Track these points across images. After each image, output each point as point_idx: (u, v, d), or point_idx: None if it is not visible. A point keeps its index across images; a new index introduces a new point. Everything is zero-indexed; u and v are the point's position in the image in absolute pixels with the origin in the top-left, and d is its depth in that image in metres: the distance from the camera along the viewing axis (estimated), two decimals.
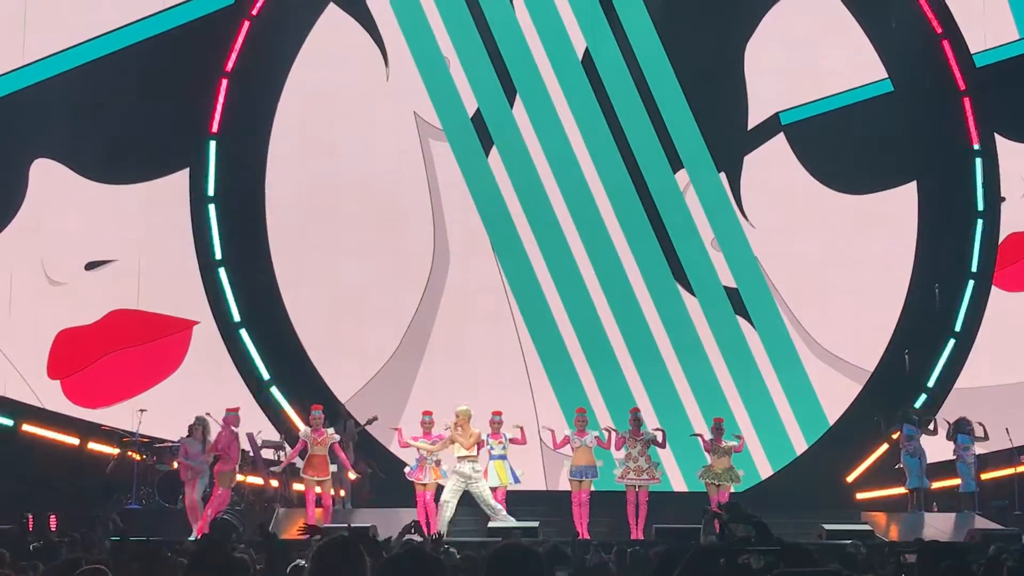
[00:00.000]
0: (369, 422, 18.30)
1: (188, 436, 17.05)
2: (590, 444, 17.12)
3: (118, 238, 20.02)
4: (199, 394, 18.85)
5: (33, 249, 20.00)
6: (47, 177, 20.07)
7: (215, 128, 20.24)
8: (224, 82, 20.28)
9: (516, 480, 17.02)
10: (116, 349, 20.15)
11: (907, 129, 20.88)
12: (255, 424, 18.82)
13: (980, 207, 20.83)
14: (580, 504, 16.92)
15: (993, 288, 20.71)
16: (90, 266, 20.21)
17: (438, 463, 16.90)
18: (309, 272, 20.25)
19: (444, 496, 16.54)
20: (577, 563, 9.73)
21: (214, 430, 17.15)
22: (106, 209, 19.97)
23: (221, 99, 20.24)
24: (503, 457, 16.99)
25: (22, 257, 19.99)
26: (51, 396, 19.76)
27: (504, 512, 16.60)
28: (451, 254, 20.57)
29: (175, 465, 18.11)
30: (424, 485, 16.84)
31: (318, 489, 17.01)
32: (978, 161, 20.89)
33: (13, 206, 20.08)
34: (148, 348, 20.19)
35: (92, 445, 19.35)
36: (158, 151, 19.99)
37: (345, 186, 20.45)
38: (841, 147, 20.81)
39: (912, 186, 20.83)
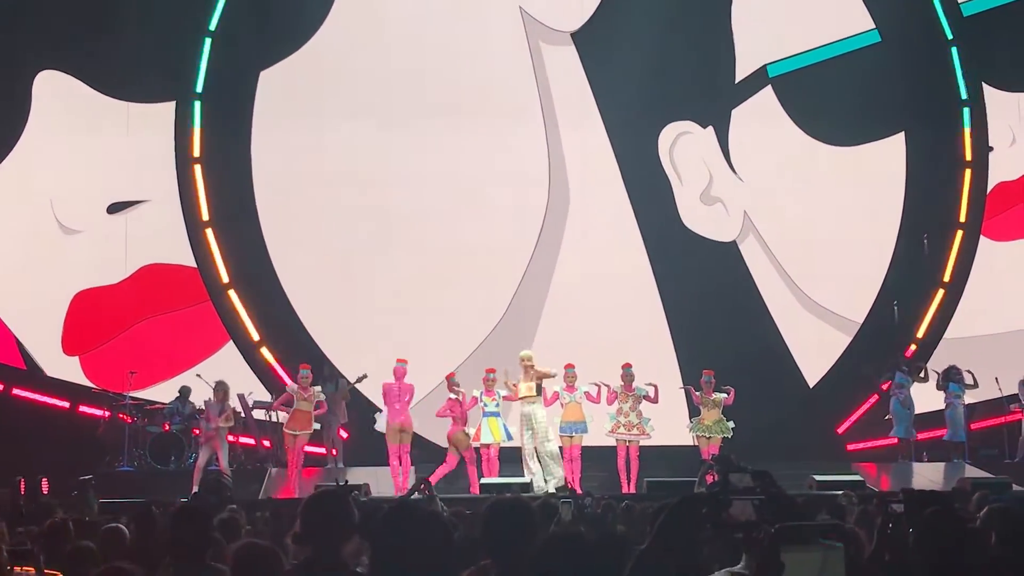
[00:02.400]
0: (359, 380, 18.29)
1: (212, 400, 17.15)
2: (579, 400, 17.16)
3: (106, 197, 19.82)
4: (189, 356, 18.85)
5: (23, 204, 19.72)
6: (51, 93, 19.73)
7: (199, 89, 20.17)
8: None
9: (509, 437, 17.08)
10: (150, 316, 19.86)
11: (895, 80, 20.80)
12: (246, 385, 18.83)
13: (968, 157, 20.79)
14: (571, 459, 16.98)
15: (981, 237, 20.69)
16: (114, 208, 19.85)
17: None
18: (299, 232, 20.16)
19: (549, 447, 16.72)
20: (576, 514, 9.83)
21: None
22: (96, 166, 19.78)
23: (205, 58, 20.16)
24: (496, 414, 17.05)
25: (28, 196, 19.66)
26: (55, 364, 19.62)
27: (556, 465, 16.75)
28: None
29: (167, 427, 18.16)
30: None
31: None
32: (966, 111, 20.83)
33: (16, 128, 19.71)
34: (189, 313, 19.88)
35: (83, 408, 19.31)
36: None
37: (332, 147, 20.34)
38: (828, 99, 20.73)
39: (900, 137, 20.80)
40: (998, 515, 5.84)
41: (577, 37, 20.81)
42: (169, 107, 20.08)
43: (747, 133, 20.89)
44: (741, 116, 20.91)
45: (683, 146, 20.92)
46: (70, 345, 19.44)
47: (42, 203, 19.70)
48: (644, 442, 17.30)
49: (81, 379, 19.47)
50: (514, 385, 17.00)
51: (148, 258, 19.79)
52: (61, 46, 19.70)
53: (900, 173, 20.71)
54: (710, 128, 20.92)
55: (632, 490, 16.50)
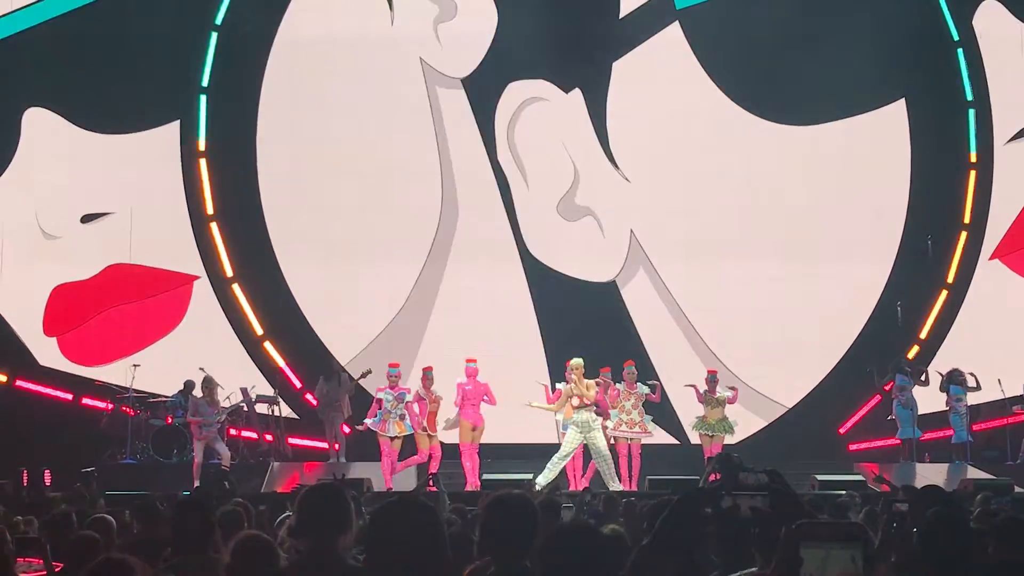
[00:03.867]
0: (363, 375, 18.32)
1: (200, 395, 17.22)
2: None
3: (111, 191, 19.86)
4: (192, 349, 18.87)
5: (27, 202, 19.84)
6: (40, 126, 19.88)
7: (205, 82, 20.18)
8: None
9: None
10: (114, 305, 19.99)
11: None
12: (249, 379, 18.86)
13: (973, 159, 20.74)
14: (573, 456, 16.98)
15: (985, 239, 20.63)
16: (86, 219, 20.05)
17: (402, 417, 17.00)
18: (303, 227, 20.17)
19: (564, 449, 16.69)
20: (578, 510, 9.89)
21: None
22: (98, 161, 19.81)
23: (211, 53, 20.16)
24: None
25: (16, 210, 19.82)
26: (48, 353, 19.71)
27: (612, 467, 16.77)
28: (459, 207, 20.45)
29: (169, 420, 18.19)
30: (392, 438, 16.96)
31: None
32: (971, 111, 20.77)
33: (5, 156, 19.91)
34: (147, 304, 20.03)
35: (86, 400, 19.35)
36: (149, 102, 19.84)
37: (341, 140, 20.31)
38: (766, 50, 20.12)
39: (905, 135, 20.68)
40: (1004, 525, 5.85)
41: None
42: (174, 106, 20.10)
43: (636, 100, 20.49)
44: (627, 72, 20.65)
45: (529, 121, 20.63)
46: (50, 327, 19.90)
47: (28, 215, 19.85)
48: (646, 440, 17.33)
49: (60, 358, 19.57)
50: (578, 394, 16.82)
51: (112, 259, 19.82)
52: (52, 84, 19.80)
53: (905, 173, 20.64)
54: (576, 92, 20.72)
55: (634, 487, 16.51)
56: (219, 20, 20.20)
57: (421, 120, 20.31)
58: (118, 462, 18.04)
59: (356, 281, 20.07)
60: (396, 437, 17.01)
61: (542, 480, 16.14)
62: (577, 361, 16.83)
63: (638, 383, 17.30)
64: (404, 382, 17.38)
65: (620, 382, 17.26)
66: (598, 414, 16.75)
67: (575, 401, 16.65)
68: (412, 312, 19.95)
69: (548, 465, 16.56)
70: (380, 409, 17.00)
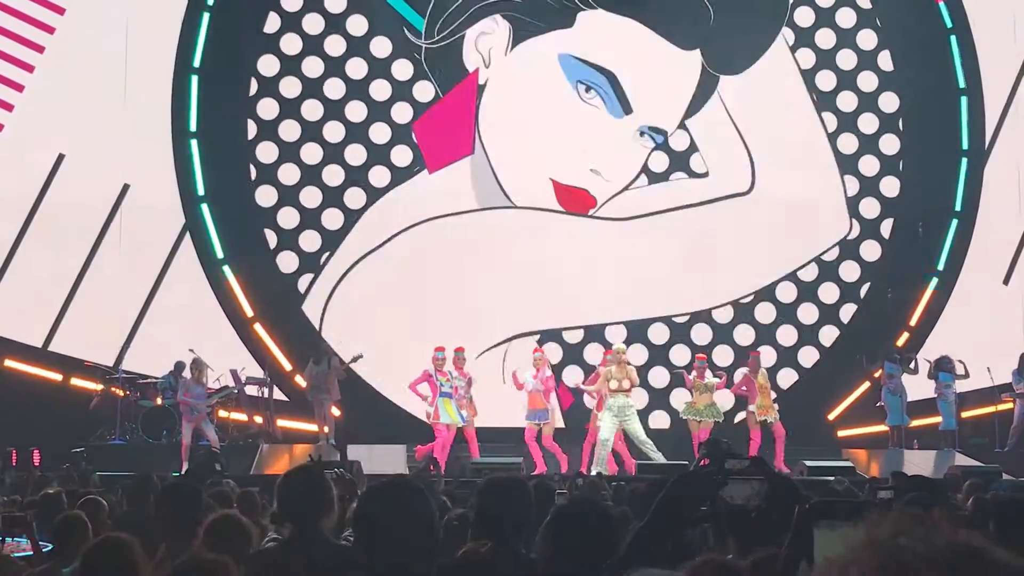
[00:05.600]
0: (354, 359, 18.31)
1: (189, 376, 17.23)
2: (539, 388, 17.33)
3: (102, 169, 19.77)
4: (183, 331, 18.85)
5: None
6: None
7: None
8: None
9: (463, 420, 17.22)
10: None
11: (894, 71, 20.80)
12: (239, 361, 18.84)
13: (965, 146, 20.78)
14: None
15: (975, 229, 20.66)
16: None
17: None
18: (294, 209, 20.15)
19: (602, 434, 16.81)
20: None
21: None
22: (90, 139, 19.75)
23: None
24: (449, 395, 17.21)
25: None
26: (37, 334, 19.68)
27: (653, 447, 16.88)
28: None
29: (159, 401, 18.18)
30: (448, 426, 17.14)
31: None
32: (963, 99, 20.79)
33: None
34: None
35: (75, 381, 19.31)
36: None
37: (335, 119, 20.29)
38: None
39: (897, 123, 20.74)
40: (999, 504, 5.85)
41: None
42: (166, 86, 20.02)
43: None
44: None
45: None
46: None
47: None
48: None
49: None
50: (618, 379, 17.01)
51: (136, 234, 19.75)
52: None
53: (896, 160, 20.69)
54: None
55: (631, 470, 16.54)
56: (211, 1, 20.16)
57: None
58: (107, 442, 18.02)
59: (349, 264, 20.05)
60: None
61: (595, 468, 16.33)
62: (621, 346, 17.45)
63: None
64: (412, 365, 17.42)
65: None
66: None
67: (613, 384, 16.85)
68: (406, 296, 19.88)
69: (594, 455, 16.75)
70: (452, 395, 17.06)
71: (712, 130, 20.46)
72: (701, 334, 20.20)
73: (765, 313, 20.42)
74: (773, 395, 18.15)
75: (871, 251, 20.60)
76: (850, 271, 20.54)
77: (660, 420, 19.48)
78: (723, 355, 19.99)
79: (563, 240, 20.12)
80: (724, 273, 20.29)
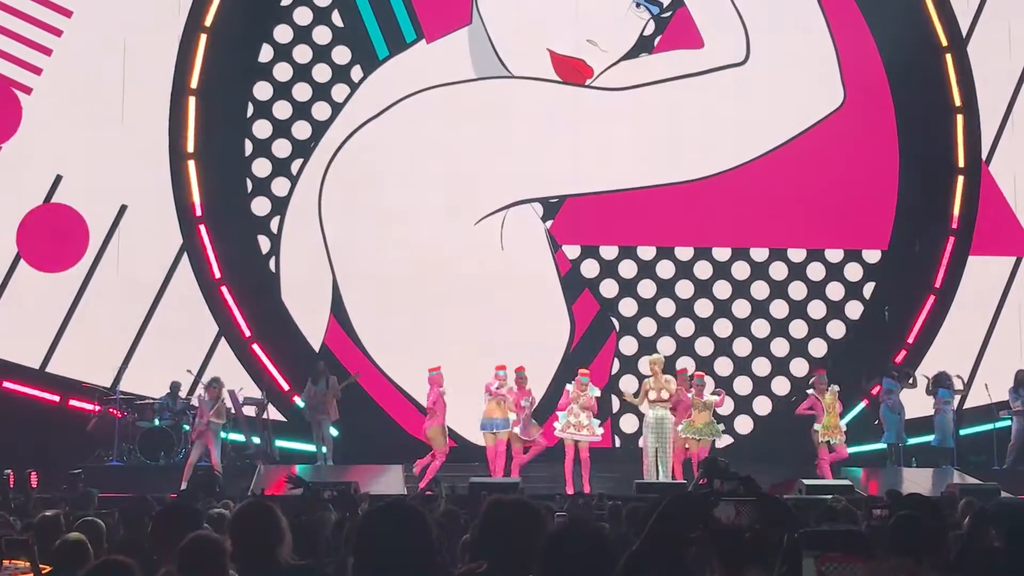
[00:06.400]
0: (351, 380, 18.31)
1: (206, 397, 17.23)
2: (504, 393, 17.29)
3: (100, 189, 19.78)
4: (180, 351, 18.86)
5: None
6: None
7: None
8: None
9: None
10: None
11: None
12: (237, 381, 18.83)
13: (961, 163, 20.77)
14: (496, 455, 17.17)
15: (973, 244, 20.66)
16: None
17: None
18: (296, 233, 20.16)
19: (650, 448, 16.96)
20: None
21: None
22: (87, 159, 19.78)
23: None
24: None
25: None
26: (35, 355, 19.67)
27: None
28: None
29: (157, 422, 18.17)
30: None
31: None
32: (959, 118, 20.79)
33: None
34: None
35: (73, 402, 19.28)
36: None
37: (331, 141, 20.33)
38: None
39: (893, 138, 20.71)
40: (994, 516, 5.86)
41: None
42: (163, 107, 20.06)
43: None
44: None
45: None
46: None
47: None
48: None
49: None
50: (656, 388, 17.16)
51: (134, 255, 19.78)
52: None
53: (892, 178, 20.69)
54: None
55: (587, 490, 16.38)
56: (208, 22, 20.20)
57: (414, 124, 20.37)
58: (105, 464, 17.99)
59: (347, 284, 20.06)
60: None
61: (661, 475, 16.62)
62: (658, 356, 17.60)
63: (589, 386, 17.37)
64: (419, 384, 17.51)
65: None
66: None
67: (652, 395, 17.04)
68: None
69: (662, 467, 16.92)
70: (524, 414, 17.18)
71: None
72: (704, 346, 20.22)
73: (761, 328, 20.42)
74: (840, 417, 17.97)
75: (868, 267, 20.58)
76: (847, 287, 20.53)
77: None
78: (724, 366, 20.11)
79: (559, 110, 20.41)
80: (722, 141, 20.39)
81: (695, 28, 20.60)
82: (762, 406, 20.25)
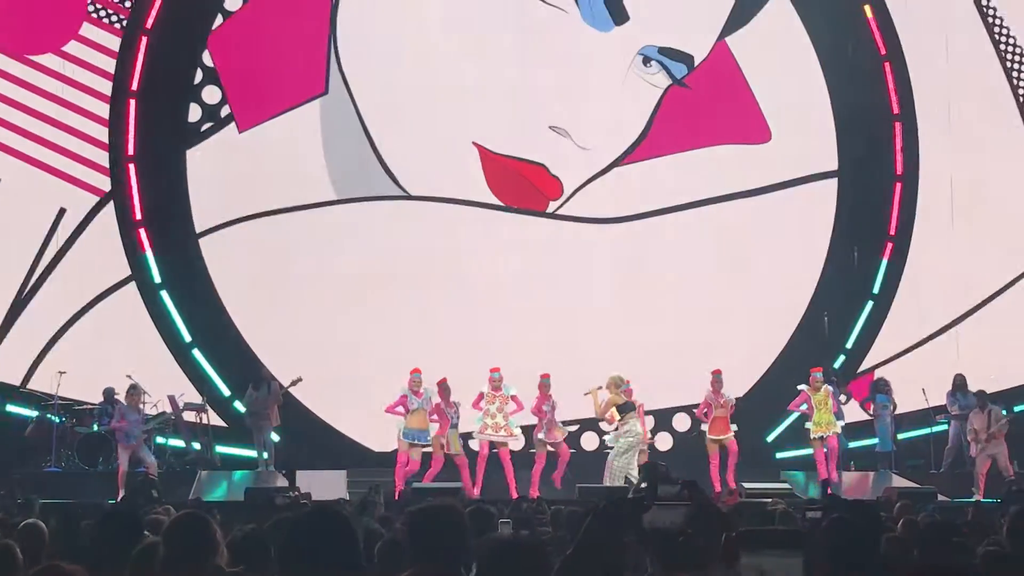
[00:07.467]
0: (293, 383, 18.24)
1: (125, 403, 17.11)
2: (425, 406, 17.35)
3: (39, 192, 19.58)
4: (119, 356, 18.70)
5: None
6: None
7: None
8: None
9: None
10: None
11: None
12: (176, 387, 18.70)
13: (899, 171, 20.95)
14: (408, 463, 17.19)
15: (911, 250, 20.82)
16: None
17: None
18: (232, 234, 20.03)
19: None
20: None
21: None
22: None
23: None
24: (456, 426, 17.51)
25: None
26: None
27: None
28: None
29: (95, 428, 18.01)
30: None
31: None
32: (898, 126, 20.97)
33: None
34: None
35: (10, 408, 19.07)
36: None
37: (272, 148, 20.20)
38: None
39: (832, 150, 20.86)
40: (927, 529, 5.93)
41: None
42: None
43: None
44: None
45: None
46: None
47: None
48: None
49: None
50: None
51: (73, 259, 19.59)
52: None
53: (831, 188, 20.83)
54: None
55: (514, 495, 16.30)
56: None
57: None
58: (43, 470, 17.83)
59: (288, 289, 19.95)
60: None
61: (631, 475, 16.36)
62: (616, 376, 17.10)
63: (504, 386, 17.40)
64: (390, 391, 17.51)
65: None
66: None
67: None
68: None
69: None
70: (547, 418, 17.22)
71: None
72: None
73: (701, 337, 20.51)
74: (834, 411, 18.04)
75: (808, 274, 20.71)
76: (786, 294, 20.67)
77: (663, 441, 19.61)
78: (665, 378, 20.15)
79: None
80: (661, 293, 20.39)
81: None
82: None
